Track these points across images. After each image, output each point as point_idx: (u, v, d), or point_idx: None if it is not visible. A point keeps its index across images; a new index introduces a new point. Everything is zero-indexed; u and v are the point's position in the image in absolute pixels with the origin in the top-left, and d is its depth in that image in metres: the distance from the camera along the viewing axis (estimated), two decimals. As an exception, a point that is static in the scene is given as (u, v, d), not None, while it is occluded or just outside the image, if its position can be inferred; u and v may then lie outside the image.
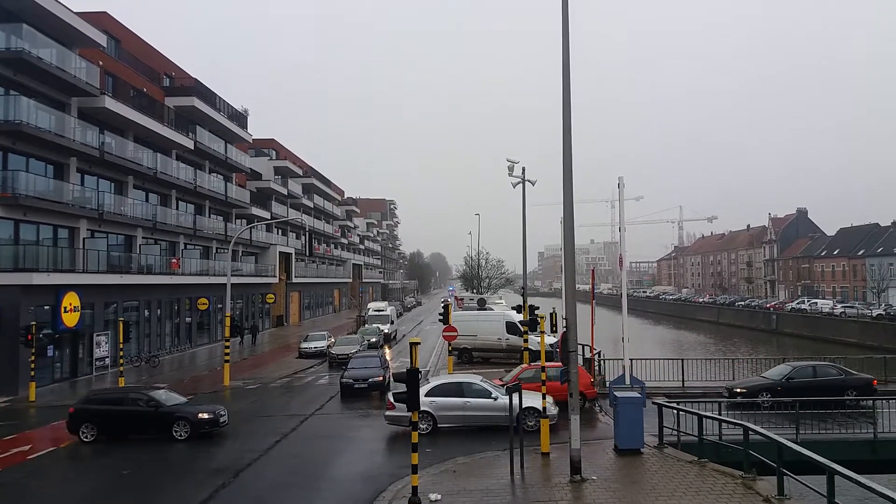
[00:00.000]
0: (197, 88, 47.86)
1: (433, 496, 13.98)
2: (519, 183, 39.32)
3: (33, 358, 27.65)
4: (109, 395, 22.85)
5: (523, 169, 39.02)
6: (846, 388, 23.19)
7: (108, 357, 34.94)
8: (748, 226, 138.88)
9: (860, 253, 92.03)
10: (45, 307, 30.14)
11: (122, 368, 29.12)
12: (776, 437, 13.69)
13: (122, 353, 29.73)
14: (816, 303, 78.70)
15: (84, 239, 33.89)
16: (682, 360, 28.82)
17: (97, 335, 34.45)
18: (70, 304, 30.65)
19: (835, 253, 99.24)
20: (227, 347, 32.16)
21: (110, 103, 34.75)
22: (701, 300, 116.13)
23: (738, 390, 24.42)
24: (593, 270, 39.23)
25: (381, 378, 27.56)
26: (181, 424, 20.38)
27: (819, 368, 25.02)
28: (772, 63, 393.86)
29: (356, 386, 27.21)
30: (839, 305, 74.72)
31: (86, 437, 20.43)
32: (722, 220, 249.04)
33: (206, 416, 20.60)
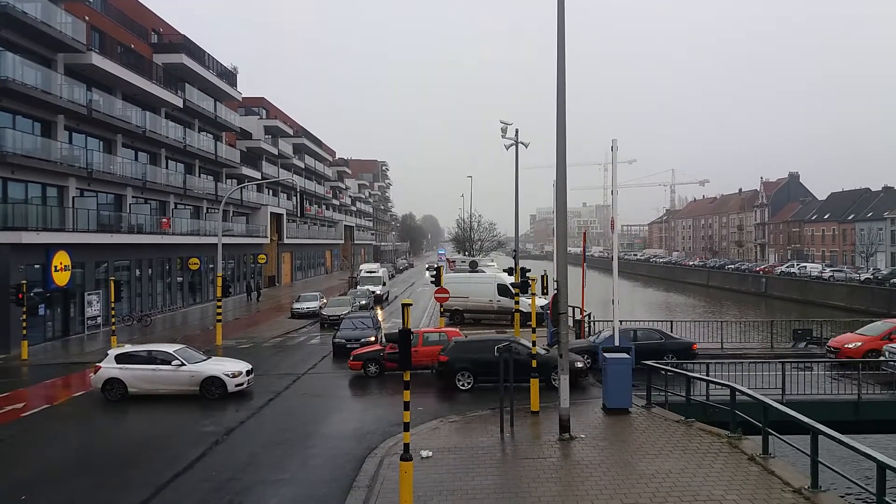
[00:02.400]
0: (185, 45, 47.05)
1: (424, 453, 14.20)
2: (512, 145, 39.11)
3: (25, 317, 27.66)
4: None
5: (516, 131, 38.81)
6: (666, 352, 23.37)
7: (99, 316, 34.96)
8: (740, 189, 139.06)
9: (850, 217, 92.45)
10: (36, 266, 30.03)
11: (114, 327, 29.16)
12: (762, 397, 13.92)
13: (113, 313, 29.73)
14: (805, 266, 79.25)
15: (73, 198, 33.60)
16: (671, 321, 29.12)
17: (88, 294, 34.42)
18: (60, 263, 30.55)
19: (825, 217, 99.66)
20: (220, 307, 32.20)
21: (97, 60, 34.14)
22: (691, 263, 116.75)
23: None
24: (585, 233, 39.29)
25: (373, 338, 27.74)
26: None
27: (641, 332, 25.16)
28: (765, 18, 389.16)
29: (349, 346, 27.37)
30: (828, 269, 75.28)
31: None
32: (714, 183, 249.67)
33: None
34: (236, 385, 20.70)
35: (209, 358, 21.97)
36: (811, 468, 11.55)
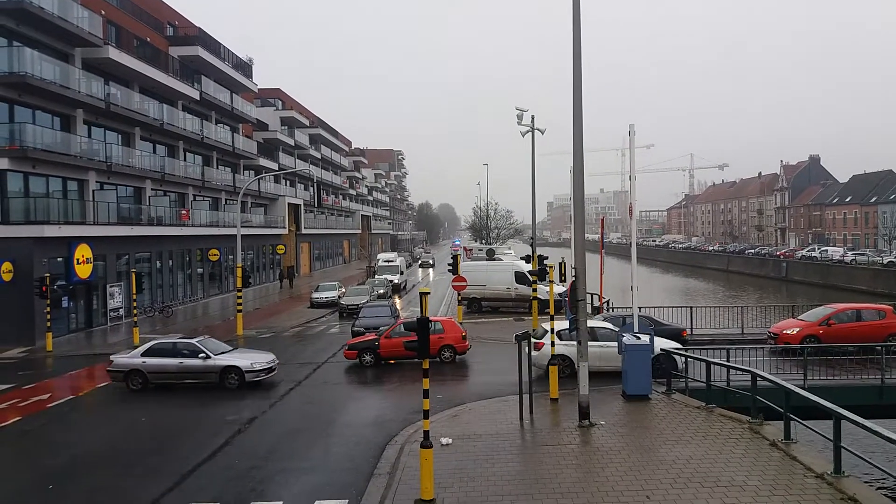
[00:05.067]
0: (201, 37, 47.19)
1: (444, 440, 14.26)
2: (528, 132, 38.89)
3: (48, 309, 28.05)
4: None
5: (532, 117, 38.54)
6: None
7: (121, 308, 35.38)
8: (760, 173, 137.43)
9: (872, 200, 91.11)
10: (58, 259, 30.41)
11: (136, 319, 29.49)
12: (783, 382, 13.83)
13: (135, 304, 30.06)
14: (827, 250, 78.33)
15: (93, 191, 33.94)
16: (691, 307, 28.92)
17: (110, 286, 34.82)
18: (82, 256, 30.91)
19: (847, 200, 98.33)
20: (240, 297, 32.45)
21: (114, 53, 34.36)
22: (711, 248, 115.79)
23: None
24: (603, 219, 39.11)
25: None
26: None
27: (630, 319, 24.67)
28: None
29: (367, 335, 27.42)
30: (850, 253, 74.36)
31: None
32: (733, 167, 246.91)
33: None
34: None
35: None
36: (834, 453, 11.45)
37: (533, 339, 18.49)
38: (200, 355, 20.76)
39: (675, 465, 12.51)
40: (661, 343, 20.11)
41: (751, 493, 11.15)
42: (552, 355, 18.55)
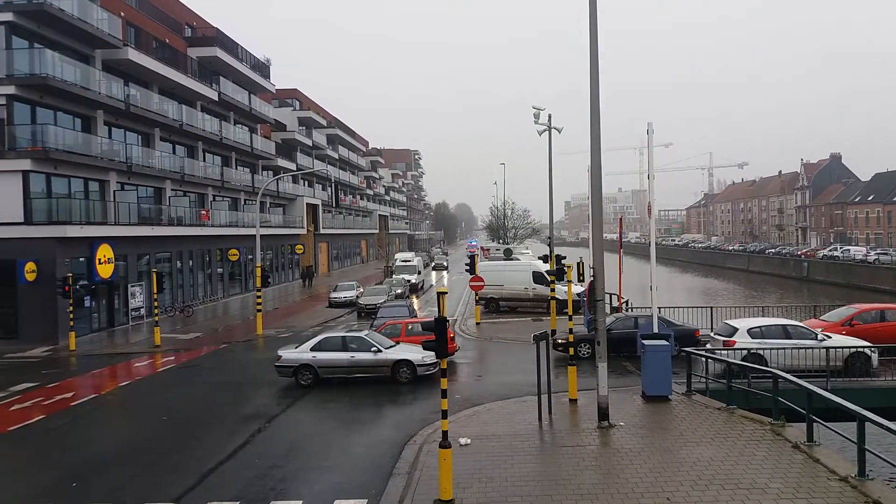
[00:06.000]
0: (219, 38, 47.50)
1: (463, 440, 14.25)
2: (545, 131, 38.81)
3: (71, 308, 28.39)
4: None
5: (549, 116, 38.47)
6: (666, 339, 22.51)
7: (143, 307, 35.72)
8: (780, 172, 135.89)
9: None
10: (81, 259, 30.77)
11: (157, 318, 29.75)
12: (806, 384, 13.66)
13: (156, 304, 30.34)
14: (849, 250, 77.31)
15: (114, 191, 34.31)
16: (711, 307, 28.67)
17: (132, 286, 35.18)
18: (104, 256, 31.24)
19: (869, 199, 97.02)
20: (259, 297, 32.65)
21: (134, 55, 34.71)
22: (730, 248, 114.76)
23: (560, 340, 23.66)
24: (621, 219, 38.85)
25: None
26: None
27: (643, 319, 23.97)
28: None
29: None
30: (872, 252, 73.35)
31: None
32: (753, 166, 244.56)
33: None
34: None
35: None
36: (858, 456, 11.30)
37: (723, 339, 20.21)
38: (372, 349, 20.68)
39: (696, 467, 12.41)
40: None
41: (773, 495, 11.03)
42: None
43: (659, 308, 22.47)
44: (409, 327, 24.18)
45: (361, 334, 21.86)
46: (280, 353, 21.46)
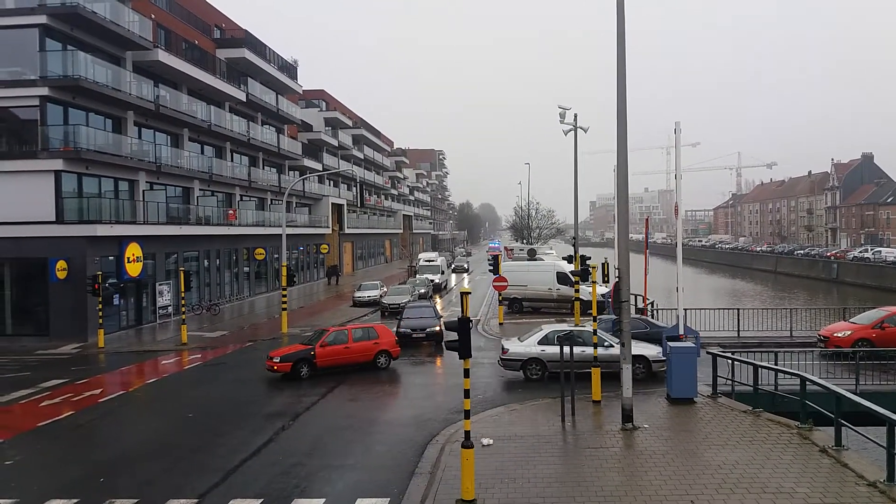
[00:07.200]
0: (247, 40, 47.98)
1: (485, 441, 14.24)
2: (571, 130, 38.64)
3: (100, 306, 28.86)
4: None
5: (575, 116, 38.31)
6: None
7: (170, 305, 36.19)
8: (809, 172, 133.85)
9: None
10: (110, 258, 31.27)
11: (184, 317, 30.14)
12: (834, 387, 13.44)
13: (183, 302, 30.74)
14: (880, 251, 75.92)
15: (143, 191, 34.82)
16: (738, 309, 28.37)
17: (159, 284, 35.66)
18: (133, 255, 31.70)
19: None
20: (285, 296, 32.93)
21: (164, 56, 35.20)
22: (758, 249, 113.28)
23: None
24: (647, 219, 38.56)
25: (437, 328, 27.60)
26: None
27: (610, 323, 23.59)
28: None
29: (414, 336, 27.39)
30: (905, 254, 71.99)
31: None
32: (782, 166, 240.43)
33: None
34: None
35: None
36: (887, 461, 11.11)
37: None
38: (605, 343, 20.38)
39: (721, 471, 12.28)
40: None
41: (800, 500, 10.88)
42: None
43: (685, 310, 22.29)
44: (355, 333, 23.51)
45: (588, 328, 21.44)
46: (505, 345, 21.31)
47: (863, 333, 23.02)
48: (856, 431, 12.56)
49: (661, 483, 11.78)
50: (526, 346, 21.05)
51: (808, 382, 14.50)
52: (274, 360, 21.91)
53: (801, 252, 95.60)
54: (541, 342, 20.92)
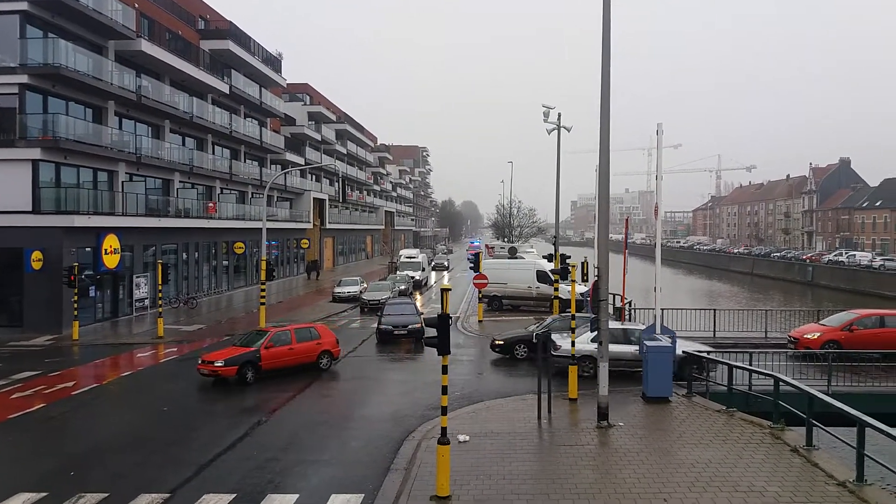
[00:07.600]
0: (232, 31, 47.58)
1: (461, 437, 14.29)
2: (554, 129, 38.75)
3: (76, 298, 28.53)
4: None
5: (559, 115, 38.41)
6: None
7: (147, 298, 35.87)
8: (788, 176, 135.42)
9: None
10: (87, 249, 30.90)
11: (161, 309, 29.88)
12: (806, 387, 13.64)
13: (160, 295, 30.46)
14: (854, 255, 77.04)
15: (123, 182, 34.45)
16: (714, 310, 28.64)
17: (137, 277, 35.33)
18: (110, 247, 31.37)
19: (877, 204, 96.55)
20: (263, 290, 32.72)
21: (146, 46, 34.82)
22: (735, 251, 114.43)
23: (498, 342, 24.34)
24: (627, 219, 38.85)
25: (418, 325, 27.49)
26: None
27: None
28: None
29: (395, 332, 27.32)
30: (878, 258, 73.06)
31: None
32: (761, 169, 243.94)
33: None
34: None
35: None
36: (857, 461, 11.28)
37: None
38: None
39: (694, 469, 12.42)
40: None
41: (770, 498, 11.04)
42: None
43: (662, 310, 22.45)
44: (298, 333, 22.74)
45: (639, 325, 21.45)
46: (557, 342, 21.00)
47: (832, 335, 23.37)
48: (827, 432, 12.76)
49: (634, 480, 11.89)
50: (579, 343, 20.49)
51: (781, 383, 14.70)
52: (215, 364, 20.30)
53: (778, 255, 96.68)
54: (594, 339, 20.75)
